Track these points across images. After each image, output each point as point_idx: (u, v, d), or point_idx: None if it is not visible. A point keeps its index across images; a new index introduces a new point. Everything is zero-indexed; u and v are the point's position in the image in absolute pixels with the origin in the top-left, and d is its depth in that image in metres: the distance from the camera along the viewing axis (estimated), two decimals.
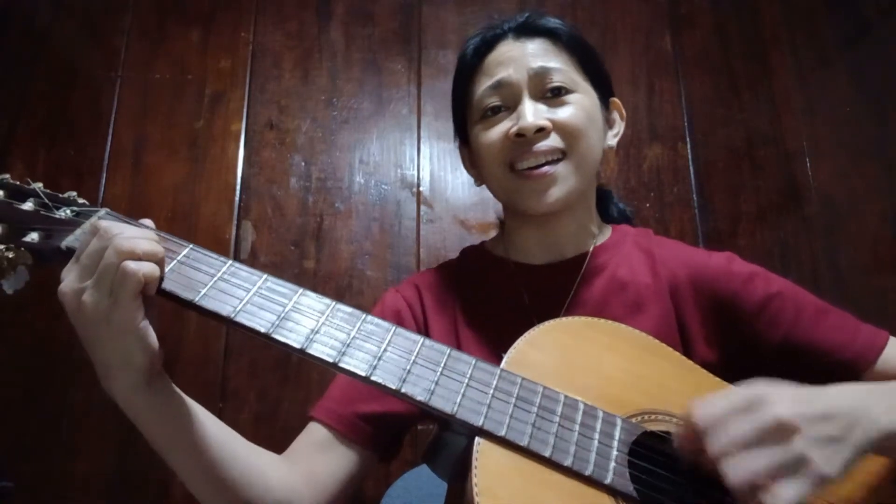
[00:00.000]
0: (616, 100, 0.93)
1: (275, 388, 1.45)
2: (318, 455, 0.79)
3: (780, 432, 0.55)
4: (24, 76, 1.64)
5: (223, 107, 1.66)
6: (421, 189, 1.64)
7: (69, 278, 0.60)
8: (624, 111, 0.94)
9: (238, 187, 1.60)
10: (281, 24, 1.74)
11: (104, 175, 1.58)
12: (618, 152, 0.93)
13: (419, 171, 1.65)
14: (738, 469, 0.54)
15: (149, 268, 0.59)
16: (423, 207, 1.62)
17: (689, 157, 1.69)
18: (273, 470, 0.74)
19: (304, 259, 1.55)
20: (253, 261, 1.54)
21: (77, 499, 1.38)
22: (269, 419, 1.44)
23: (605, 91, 0.91)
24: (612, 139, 0.92)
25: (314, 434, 0.81)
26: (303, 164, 1.64)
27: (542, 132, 0.81)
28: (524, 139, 0.81)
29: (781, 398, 0.57)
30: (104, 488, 1.38)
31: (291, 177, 1.62)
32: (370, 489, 1.35)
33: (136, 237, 0.60)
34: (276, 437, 1.37)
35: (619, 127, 0.93)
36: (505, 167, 0.84)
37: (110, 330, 0.59)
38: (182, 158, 1.61)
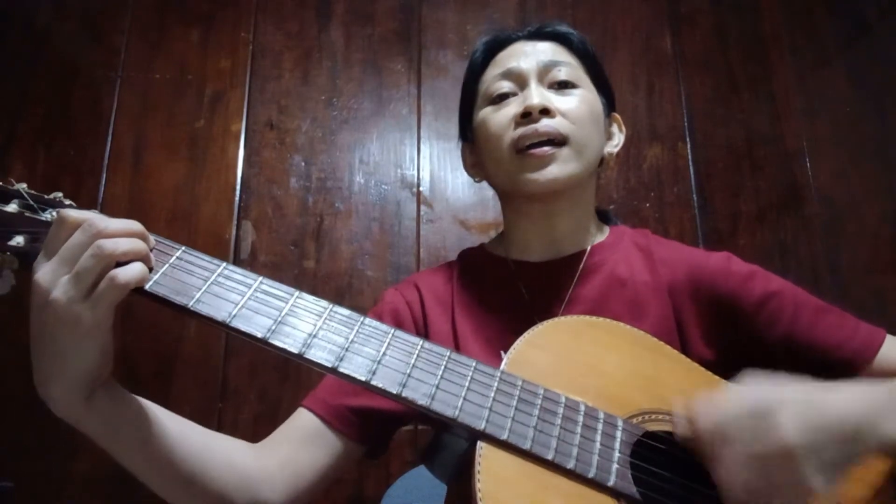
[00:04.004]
0: (617, 115, 0.95)
1: (275, 388, 1.45)
2: (302, 442, 0.79)
3: (784, 458, 0.55)
4: (24, 76, 1.64)
5: (223, 107, 1.66)
6: (421, 189, 1.63)
7: (44, 269, 0.56)
8: (624, 127, 0.96)
9: (238, 187, 1.60)
10: (281, 24, 1.74)
11: (104, 175, 1.57)
12: (618, 153, 0.95)
13: (419, 171, 1.65)
14: (735, 486, 0.55)
15: (135, 273, 0.56)
16: (423, 207, 1.62)
17: (689, 157, 1.68)
18: (240, 455, 0.73)
19: (304, 259, 1.55)
20: (253, 261, 1.54)
21: (77, 499, 1.37)
22: (269, 419, 1.44)
23: (609, 101, 0.93)
24: (612, 147, 0.93)
25: (300, 421, 0.81)
26: (303, 164, 1.63)
27: (546, 112, 0.82)
28: (529, 118, 0.82)
29: (789, 414, 0.56)
30: (104, 488, 1.38)
31: (291, 177, 1.62)
32: (370, 489, 1.35)
33: (119, 231, 0.57)
34: None
35: (619, 139, 0.95)
36: (511, 150, 0.84)
37: (75, 333, 0.55)
38: (182, 158, 1.61)
